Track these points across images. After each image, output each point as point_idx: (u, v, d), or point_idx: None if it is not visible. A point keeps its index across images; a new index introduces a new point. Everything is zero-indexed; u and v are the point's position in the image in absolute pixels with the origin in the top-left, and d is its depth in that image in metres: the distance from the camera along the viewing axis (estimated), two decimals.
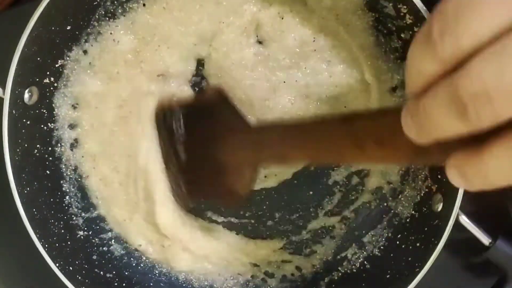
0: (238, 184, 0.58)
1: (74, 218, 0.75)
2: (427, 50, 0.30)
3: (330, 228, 0.79)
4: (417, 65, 0.31)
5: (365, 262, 0.75)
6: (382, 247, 0.74)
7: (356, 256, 0.76)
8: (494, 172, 0.32)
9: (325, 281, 0.76)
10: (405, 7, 0.63)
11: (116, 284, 0.74)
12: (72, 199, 0.76)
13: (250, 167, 0.57)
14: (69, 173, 0.77)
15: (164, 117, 0.63)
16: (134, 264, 0.78)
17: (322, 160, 0.51)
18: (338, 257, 0.77)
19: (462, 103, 0.29)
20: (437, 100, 0.30)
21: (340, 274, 0.76)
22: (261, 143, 0.55)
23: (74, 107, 0.76)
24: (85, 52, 0.74)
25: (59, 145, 0.75)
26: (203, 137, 0.60)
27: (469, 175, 0.33)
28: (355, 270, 0.75)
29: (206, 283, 0.79)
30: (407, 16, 0.64)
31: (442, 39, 0.29)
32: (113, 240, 0.78)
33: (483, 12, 0.27)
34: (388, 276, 0.70)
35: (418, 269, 0.65)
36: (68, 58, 0.73)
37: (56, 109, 0.74)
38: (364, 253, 0.76)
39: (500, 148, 0.30)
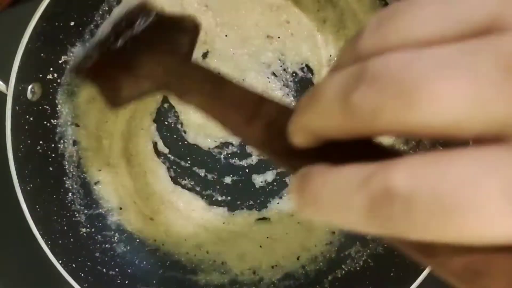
0: (128, 88, 0.54)
1: (77, 215, 0.75)
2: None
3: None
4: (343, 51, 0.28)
5: (369, 260, 0.74)
6: (386, 245, 0.74)
7: (360, 254, 0.75)
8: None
9: (329, 279, 0.76)
10: None
11: (119, 281, 0.74)
12: (75, 196, 0.76)
13: (151, 81, 0.53)
14: (72, 170, 0.76)
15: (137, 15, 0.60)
16: (137, 262, 0.78)
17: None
18: (342, 254, 0.77)
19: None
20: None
21: (343, 272, 0.75)
22: (185, 74, 0.50)
23: None
24: None
25: (62, 141, 0.75)
26: (147, 39, 0.56)
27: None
28: (358, 268, 0.75)
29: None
30: None
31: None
32: (116, 237, 0.78)
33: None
34: (392, 274, 0.69)
35: (423, 267, 0.64)
36: (71, 54, 0.73)
37: (59, 106, 0.74)
38: (368, 251, 0.75)
39: None
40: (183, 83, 0.51)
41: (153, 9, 0.61)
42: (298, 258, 0.78)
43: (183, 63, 0.55)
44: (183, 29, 0.59)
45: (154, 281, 0.77)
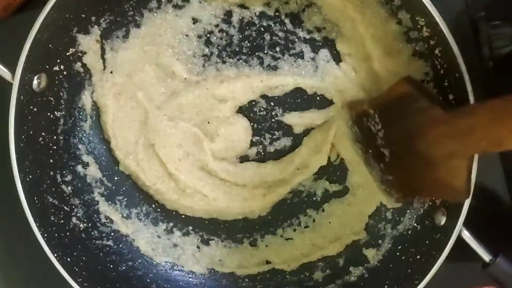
0: (452, 177, 0.57)
1: (75, 209, 0.75)
2: None
3: None
4: None
5: (365, 272, 0.75)
6: (382, 258, 0.74)
7: (356, 266, 0.76)
8: None
9: None
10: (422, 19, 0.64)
11: (113, 277, 0.74)
12: (73, 190, 0.75)
13: (461, 156, 0.55)
14: (72, 163, 0.76)
15: (361, 121, 0.64)
16: (131, 259, 0.78)
17: None
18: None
19: None
20: None
21: (339, 284, 0.76)
22: (467, 128, 0.52)
23: None
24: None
25: (63, 134, 0.75)
26: (402, 132, 0.59)
27: None
28: (354, 279, 0.75)
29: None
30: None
31: None
32: (111, 234, 0.77)
33: None
34: (386, 286, 0.70)
35: (417, 282, 0.65)
36: (79, 47, 0.73)
37: (63, 98, 0.74)
38: (365, 264, 0.75)
39: None
40: (480, 130, 0.51)
41: (365, 106, 0.65)
42: None
43: (450, 118, 0.55)
44: (405, 95, 0.60)
45: (147, 280, 0.77)
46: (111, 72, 0.76)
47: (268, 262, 0.79)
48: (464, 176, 0.56)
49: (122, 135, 0.78)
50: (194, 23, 0.75)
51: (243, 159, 0.78)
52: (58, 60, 0.71)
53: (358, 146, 0.71)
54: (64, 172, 0.75)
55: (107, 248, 0.76)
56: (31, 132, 0.69)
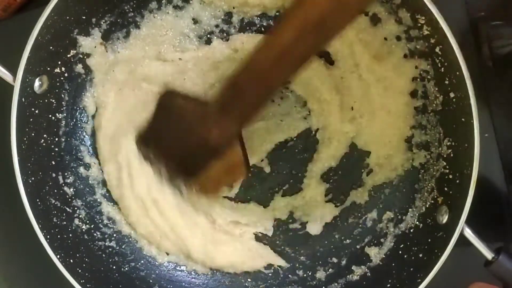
0: (234, 158, 0.59)
1: (77, 211, 0.75)
2: None
3: None
4: None
5: (367, 271, 0.75)
6: (384, 257, 0.74)
7: (358, 265, 0.76)
8: None
9: None
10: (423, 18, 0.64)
11: (116, 278, 0.74)
12: (76, 191, 0.75)
13: (233, 138, 0.57)
14: (74, 165, 0.76)
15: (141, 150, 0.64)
16: (134, 260, 0.78)
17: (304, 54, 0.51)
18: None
19: None
20: None
21: (342, 283, 0.75)
22: (229, 109, 0.55)
23: None
24: None
25: (65, 136, 0.75)
26: (181, 139, 0.59)
27: None
28: (357, 278, 0.75)
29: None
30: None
31: None
32: (114, 235, 0.77)
33: None
34: (388, 285, 0.70)
35: (420, 280, 0.65)
36: (80, 48, 0.73)
37: (64, 100, 0.74)
38: (368, 263, 0.75)
39: None
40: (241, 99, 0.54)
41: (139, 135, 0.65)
42: None
43: (209, 103, 0.57)
44: (169, 103, 0.62)
45: (150, 281, 0.77)
46: (113, 71, 0.76)
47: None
48: (238, 155, 0.59)
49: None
50: (194, 23, 0.76)
51: None
52: (59, 62, 0.72)
53: None
54: (66, 173, 0.75)
55: (110, 249, 0.76)
56: (33, 134, 0.69)
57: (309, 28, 0.48)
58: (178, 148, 0.59)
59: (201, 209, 0.76)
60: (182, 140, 0.59)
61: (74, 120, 0.76)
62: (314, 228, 0.78)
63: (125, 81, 0.76)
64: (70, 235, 0.72)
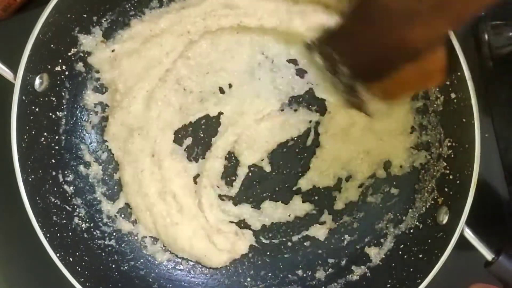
0: (435, 62, 0.55)
1: (77, 209, 0.75)
2: None
3: None
4: None
5: (367, 271, 0.75)
6: (384, 257, 0.74)
7: (358, 265, 0.76)
8: None
9: None
10: None
11: (115, 276, 0.74)
12: (76, 190, 0.75)
13: (436, 41, 0.54)
14: (74, 163, 0.76)
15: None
16: (133, 258, 0.77)
17: None
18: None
19: None
20: None
21: (342, 283, 0.76)
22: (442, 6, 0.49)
23: None
24: None
25: (65, 134, 0.75)
26: (377, 41, 0.55)
27: None
28: (357, 278, 0.75)
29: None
30: None
31: None
32: (114, 234, 0.77)
33: None
34: (388, 286, 0.70)
35: (419, 281, 0.65)
36: (80, 47, 0.73)
37: (65, 98, 0.74)
38: (367, 263, 0.75)
39: None
40: None
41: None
42: None
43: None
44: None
45: (149, 280, 0.77)
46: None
47: None
48: (441, 59, 0.55)
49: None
50: None
51: None
52: (60, 60, 0.71)
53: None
54: (66, 172, 0.75)
55: (109, 247, 0.76)
56: (33, 132, 0.69)
57: None
58: (372, 49, 0.55)
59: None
60: (379, 41, 0.54)
61: (75, 118, 0.76)
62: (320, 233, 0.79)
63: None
64: (70, 233, 0.72)
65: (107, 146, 0.78)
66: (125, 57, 0.74)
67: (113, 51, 0.75)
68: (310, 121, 0.77)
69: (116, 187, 0.79)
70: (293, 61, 0.77)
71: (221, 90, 0.78)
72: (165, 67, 0.75)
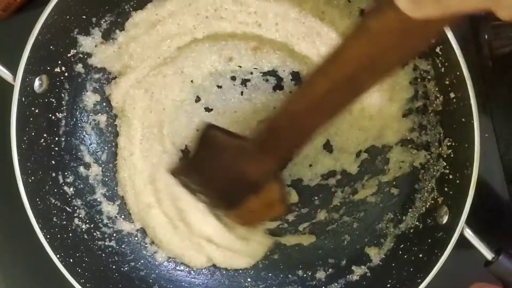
0: (273, 195, 0.62)
1: (77, 210, 0.75)
2: None
3: None
4: None
5: (367, 271, 0.75)
6: (384, 257, 0.74)
7: (358, 265, 0.76)
8: None
9: None
10: None
11: (115, 277, 0.74)
12: (76, 191, 0.75)
13: (272, 175, 0.60)
14: (74, 165, 0.76)
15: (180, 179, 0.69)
16: (134, 259, 0.78)
17: (341, 100, 0.53)
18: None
19: None
20: None
21: (342, 283, 0.76)
22: (267, 148, 0.58)
23: None
24: None
25: (65, 135, 0.75)
26: (222, 172, 0.63)
27: None
28: (357, 278, 0.75)
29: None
30: None
31: None
32: (114, 235, 0.77)
33: None
34: (388, 286, 0.70)
35: (420, 280, 0.65)
36: (80, 48, 0.73)
37: (64, 99, 0.74)
38: (368, 263, 0.75)
39: None
40: (282, 138, 0.57)
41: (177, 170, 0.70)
42: None
43: (252, 140, 0.60)
44: (211, 140, 0.65)
45: (150, 280, 0.77)
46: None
47: None
48: (277, 192, 0.63)
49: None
50: None
51: None
52: (59, 62, 0.71)
53: None
54: (66, 173, 0.75)
55: (110, 248, 0.76)
56: (33, 134, 0.69)
57: (342, 82, 0.49)
58: (218, 180, 0.63)
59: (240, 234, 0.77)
60: (222, 173, 0.62)
61: (74, 120, 0.76)
62: None
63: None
64: (70, 234, 0.72)
65: (107, 147, 0.78)
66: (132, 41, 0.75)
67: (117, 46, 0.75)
68: None
69: (116, 188, 0.79)
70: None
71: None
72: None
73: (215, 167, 0.63)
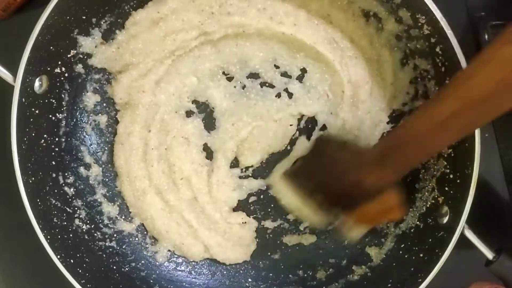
0: (389, 202, 0.62)
1: (78, 211, 0.75)
2: None
3: None
4: None
5: (368, 271, 0.75)
6: (385, 257, 0.74)
7: (358, 265, 0.76)
8: None
9: None
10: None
11: (116, 278, 0.74)
12: (76, 191, 0.75)
13: (387, 186, 0.60)
14: (74, 165, 0.76)
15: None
16: (134, 260, 0.78)
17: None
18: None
19: None
20: None
21: (342, 283, 0.76)
22: (386, 161, 0.58)
23: None
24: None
25: (65, 136, 0.75)
26: (334, 181, 0.63)
27: None
28: (357, 278, 0.75)
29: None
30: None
31: None
32: (114, 235, 0.77)
33: None
34: (389, 285, 0.70)
35: (420, 280, 0.65)
36: (80, 49, 0.73)
37: (65, 100, 0.74)
38: (368, 263, 0.75)
39: None
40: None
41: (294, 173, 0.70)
42: None
43: (366, 154, 0.61)
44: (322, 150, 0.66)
45: (150, 280, 0.77)
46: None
47: None
48: (395, 199, 0.62)
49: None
50: None
51: None
52: (60, 62, 0.71)
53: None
54: (66, 173, 0.75)
55: (110, 249, 0.76)
56: (33, 134, 0.69)
57: (472, 104, 0.49)
58: (333, 186, 0.63)
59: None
60: (335, 181, 0.62)
61: (74, 120, 0.76)
62: None
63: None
64: (71, 235, 0.72)
65: (107, 147, 0.79)
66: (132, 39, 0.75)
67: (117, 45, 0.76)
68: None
69: (116, 189, 0.79)
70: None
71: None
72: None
73: (327, 175, 0.63)
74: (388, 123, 0.76)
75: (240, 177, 0.79)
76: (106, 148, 0.79)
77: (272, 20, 0.74)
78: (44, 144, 0.71)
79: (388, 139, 0.61)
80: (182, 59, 0.77)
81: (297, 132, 0.78)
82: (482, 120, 0.52)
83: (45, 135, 0.71)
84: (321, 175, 0.64)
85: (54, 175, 0.73)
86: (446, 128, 0.52)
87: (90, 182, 0.78)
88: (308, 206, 0.66)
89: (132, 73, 0.76)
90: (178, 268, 0.79)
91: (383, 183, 0.59)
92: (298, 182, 0.67)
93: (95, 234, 0.75)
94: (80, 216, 0.75)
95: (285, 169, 0.75)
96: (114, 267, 0.75)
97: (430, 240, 0.68)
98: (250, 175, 0.79)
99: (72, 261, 0.68)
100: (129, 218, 0.79)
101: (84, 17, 0.71)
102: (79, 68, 0.74)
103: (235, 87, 0.78)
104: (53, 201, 0.71)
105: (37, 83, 0.68)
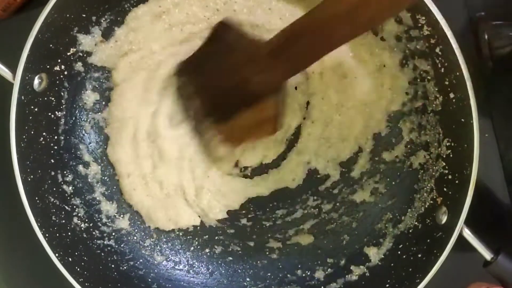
0: (269, 111, 0.58)
1: (76, 209, 0.75)
2: None
3: None
4: None
5: (366, 271, 0.75)
6: (383, 257, 0.74)
7: (357, 265, 0.76)
8: None
9: None
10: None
11: (114, 277, 0.74)
12: (75, 190, 0.75)
13: (274, 88, 0.56)
14: (73, 163, 0.76)
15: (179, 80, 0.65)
16: (133, 258, 0.78)
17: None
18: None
19: None
20: None
21: (341, 283, 0.75)
22: (280, 53, 0.54)
23: None
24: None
25: (64, 134, 0.75)
26: (224, 75, 0.59)
27: None
28: (356, 278, 0.75)
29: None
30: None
31: None
32: (113, 234, 0.77)
33: None
34: (387, 285, 0.70)
35: (418, 280, 0.65)
36: (80, 47, 0.73)
37: (64, 98, 0.74)
38: (367, 263, 0.75)
39: None
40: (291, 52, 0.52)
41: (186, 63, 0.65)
42: None
43: (264, 47, 0.56)
44: (223, 37, 0.61)
45: (149, 280, 0.77)
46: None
47: None
48: (274, 108, 0.58)
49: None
50: None
51: None
52: (59, 60, 0.72)
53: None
54: (65, 172, 0.75)
55: (108, 248, 0.76)
56: (32, 132, 0.69)
57: None
58: (218, 84, 0.59)
59: (212, 161, 0.74)
60: (224, 76, 0.58)
61: (74, 118, 0.76)
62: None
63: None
64: (69, 233, 0.72)
65: (106, 146, 0.79)
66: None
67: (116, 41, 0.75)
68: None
69: (115, 187, 0.79)
70: None
71: None
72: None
73: (219, 67, 0.60)
74: None
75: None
76: (105, 147, 0.79)
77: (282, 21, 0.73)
78: (43, 142, 0.71)
79: (287, 28, 0.54)
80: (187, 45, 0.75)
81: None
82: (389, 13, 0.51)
83: (44, 133, 0.71)
84: (213, 65, 0.60)
85: (53, 173, 0.73)
86: (349, 20, 0.49)
87: (89, 180, 0.78)
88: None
89: (133, 56, 0.76)
90: (176, 267, 0.79)
91: (271, 83, 0.56)
92: (185, 78, 0.63)
93: (94, 233, 0.75)
94: (79, 214, 0.75)
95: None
96: (112, 266, 0.75)
97: (428, 240, 0.68)
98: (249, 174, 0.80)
99: (70, 259, 0.68)
100: (125, 208, 0.80)
101: (84, 15, 0.71)
102: (79, 66, 0.75)
103: None
104: (52, 199, 0.71)
105: (36, 81, 0.68)
